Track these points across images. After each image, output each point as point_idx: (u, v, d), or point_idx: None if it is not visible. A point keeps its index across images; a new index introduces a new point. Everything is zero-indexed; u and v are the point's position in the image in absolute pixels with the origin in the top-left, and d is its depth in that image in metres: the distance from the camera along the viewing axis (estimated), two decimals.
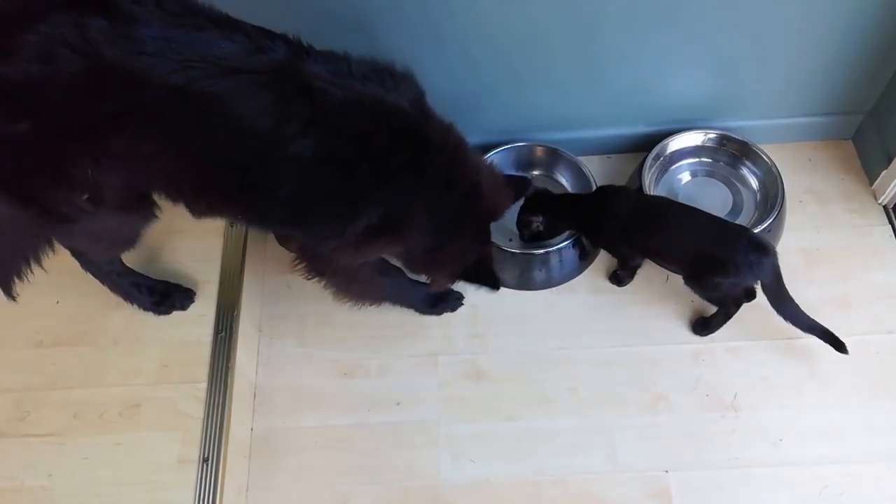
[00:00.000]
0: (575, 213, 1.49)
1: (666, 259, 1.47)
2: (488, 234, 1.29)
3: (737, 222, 1.52)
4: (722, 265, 1.34)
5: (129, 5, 0.99)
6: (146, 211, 1.20)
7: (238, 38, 1.03)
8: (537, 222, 1.49)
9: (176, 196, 1.14)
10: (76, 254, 1.38)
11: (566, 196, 1.58)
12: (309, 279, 1.35)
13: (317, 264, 1.31)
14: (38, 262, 1.27)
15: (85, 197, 1.08)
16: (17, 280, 1.28)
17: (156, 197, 1.19)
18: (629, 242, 1.46)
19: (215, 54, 1.00)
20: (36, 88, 0.97)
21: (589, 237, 1.54)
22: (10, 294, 1.31)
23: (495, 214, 1.28)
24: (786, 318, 1.39)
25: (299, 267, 1.34)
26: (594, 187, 1.56)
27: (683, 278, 1.43)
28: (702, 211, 1.41)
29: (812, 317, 1.37)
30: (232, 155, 1.06)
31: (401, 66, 1.11)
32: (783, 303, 1.37)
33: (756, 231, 1.46)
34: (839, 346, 1.37)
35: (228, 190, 1.12)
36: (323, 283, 1.36)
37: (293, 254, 1.35)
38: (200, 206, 1.16)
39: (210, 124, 1.02)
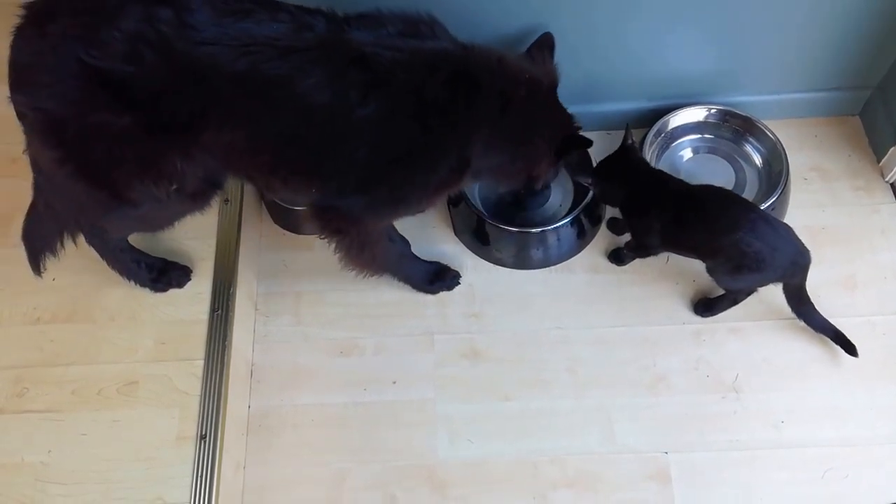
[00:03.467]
0: (629, 189, 1.38)
1: (702, 253, 1.37)
2: (558, 111, 1.28)
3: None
4: (763, 264, 1.28)
5: None
6: (209, 198, 1.25)
7: (282, 17, 1.06)
8: (588, 183, 1.42)
9: (256, 176, 1.21)
10: (90, 228, 1.38)
11: (633, 168, 1.39)
12: (323, 238, 1.33)
13: (337, 223, 1.30)
14: (73, 240, 1.33)
15: (174, 187, 1.14)
16: (48, 255, 1.34)
17: (233, 179, 1.25)
18: (667, 236, 1.37)
19: (268, 35, 1.04)
20: (131, 85, 1.01)
21: (626, 216, 1.43)
22: (38, 269, 1.36)
23: (553, 87, 1.28)
24: (799, 317, 1.37)
25: (315, 226, 1.32)
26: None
27: (708, 266, 1.37)
28: (752, 204, 1.36)
29: (819, 295, 1.34)
30: (303, 131, 1.11)
31: (425, 13, 1.15)
32: (801, 302, 1.36)
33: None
34: (850, 349, 1.35)
35: (305, 164, 1.17)
36: (336, 244, 1.34)
37: (309, 213, 1.32)
38: (276, 183, 1.23)
39: (278, 105, 1.07)
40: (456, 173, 1.20)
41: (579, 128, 1.31)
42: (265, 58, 1.03)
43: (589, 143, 1.28)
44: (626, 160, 1.38)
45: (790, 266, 1.31)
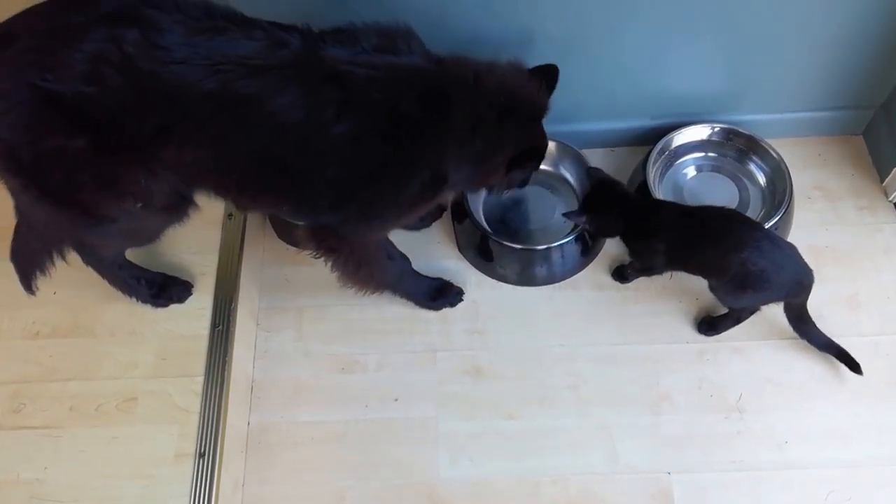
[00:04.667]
0: (627, 219, 1.38)
1: (705, 271, 1.37)
2: (531, 132, 1.25)
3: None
4: (767, 283, 1.28)
5: (155, 14, 1.01)
6: (185, 211, 1.23)
7: (257, 35, 1.05)
8: (582, 221, 1.41)
9: (223, 193, 1.19)
10: (81, 248, 1.37)
11: (624, 199, 1.40)
12: (318, 257, 1.32)
13: (330, 242, 1.30)
14: (63, 258, 1.32)
15: (139, 205, 1.13)
16: (38, 274, 1.33)
17: (200, 195, 1.22)
18: (672, 256, 1.37)
19: (240, 54, 1.02)
20: (88, 106, 1.00)
21: (626, 241, 1.44)
22: (30, 289, 1.36)
23: (539, 115, 1.26)
24: (802, 336, 1.37)
25: (309, 245, 1.32)
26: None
27: (711, 284, 1.37)
28: (757, 223, 1.35)
29: (822, 315, 1.34)
30: (274, 150, 1.10)
31: (400, 23, 1.14)
32: (803, 321, 1.35)
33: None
34: (854, 367, 1.34)
35: (275, 183, 1.16)
36: (332, 262, 1.33)
37: (303, 233, 1.32)
38: (244, 200, 1.23)
39: (249, 124, 1.06)
40: (430, 189, 1.20)
41: (542, 147, 1.29)
42: (236, 76, 1.01)
43: (535, 158, 1.28)
44: (610, 191, 1.41)
45: (794, 285, 1.31)
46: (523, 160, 1.24)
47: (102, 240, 1.32)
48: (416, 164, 1.16)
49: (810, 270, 1.31)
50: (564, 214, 1.43)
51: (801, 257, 1.31)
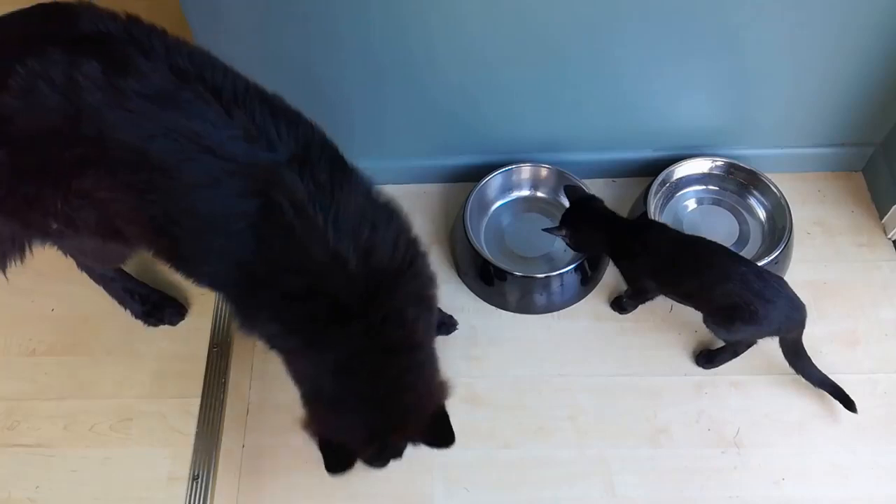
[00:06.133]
0: (609, 235, 1.42)
1: (694, 300, 1.39)
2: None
3: (750, 257, 1.46)
4: (755, 316, 1.29)
5: (136, 55, 0.96)
6: (126, 240, 1.15)
7: (238, 117, 0.96)
8: (562, 235, 1.45)
9: (140, 242, 1.12)
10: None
11: (604, 215, 1.44)
12: None
13: None
14: (30, 250, 1.23)
15: (55, 226, 1.08)
16: (11, 260, 1.25)
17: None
18: (659, 280, 1.40)
19: (195, 130, 0.95)
20: (15, 119, 0.96)
21: (615, 261, 1.47)
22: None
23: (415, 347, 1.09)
24: (797, 371, 1.37)
25: None
26: None
27: (704, 318, 1.38)
28: (742, 257, 1.37)
29: (820, 351, 1.34)
30: (175, 224, 1.02)
31: (398, 205, 1.06)
32: (798, 357, 1.35)
33: (763, 263, 1.44)
34: (848, 404, 1.34)
35: (168, 251, 1.08)
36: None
37: None
38: (144, 248, 1.14)
39: (165, 192, 0.99)
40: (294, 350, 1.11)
41: None
42: (175, 148, 0.94)
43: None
44: (587, 206, 1.44)
45: (785, 320, 1.32)
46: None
47: (62, 249, 1.28)
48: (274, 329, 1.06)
49: (802, 305, 1.31)
50: (544, 229, 1.46)
51: (791, 291, 1.32)
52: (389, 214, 1.06)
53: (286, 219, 0.95)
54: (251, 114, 0.98)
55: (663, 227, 1.44)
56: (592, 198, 1.47)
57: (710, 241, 1.38)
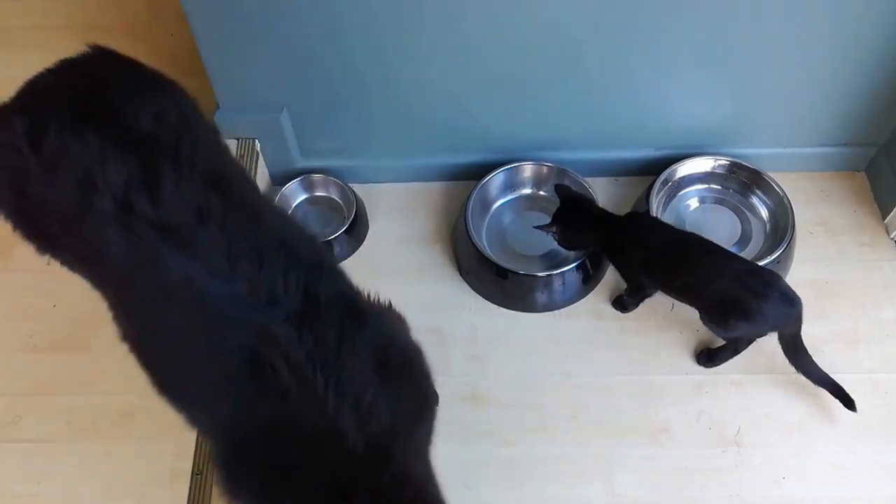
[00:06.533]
0: (598, 230, 1.44)
1: (687, 296, 1.41)
2: None
3: (752, 258, 1.47)
4: (749, 312, 1.30)
5: (167, 176, 0.87)
6: None
7: (243, 268, 0.86)
8: (552, 232, 1.46)
9: None
10: None
11: (595, 212, 1.47)
12: None
13: None
14: None
15: (47, 260, 1.02)
16: None
17: None
18: (652, 274, 1.42)
19: (190, 273, 0.86)
20: (33, 179, 0.89)
21: (608, 258, 1.50)
22: None
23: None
24: (797, 368, 1.37)
25: None
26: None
27: (701, 315, 1.39)
28: (735, 254, 1.38)
29: (821, 351, 1.34)
30: (153, 359, 0.96)
31: (420, 356, 0.99)
32: (797, 353, 1.35)
33: (765, 263, 1.44)
34: (848, 403, 1.34)
35: (150, 376, 0.99)
36: None
37: None
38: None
39: (145, 327, 0.94)
40: None
41: None
42: (167, 286, 0.86)
43: None
44: (577, 204, 1.46)
45: (780, 315, 1.32)
46: None
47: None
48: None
49: (796, 299, 1.31)
50: (535, 226, 1.48)
51: (785, 286, 1.32)
52: (406, 371, 0.97)
53: (280, 381, 0.84)
54: (261, 263, 0.87)
55: (653, 221, 1.46)
56: (583, 196, 1.49)
57: (702, 238, 1.39)
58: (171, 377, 0.95)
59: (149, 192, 0.86)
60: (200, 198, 0.88)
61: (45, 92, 0.94)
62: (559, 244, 1.50)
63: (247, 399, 0.87)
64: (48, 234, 0.96)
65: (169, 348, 0.93)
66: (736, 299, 1.30)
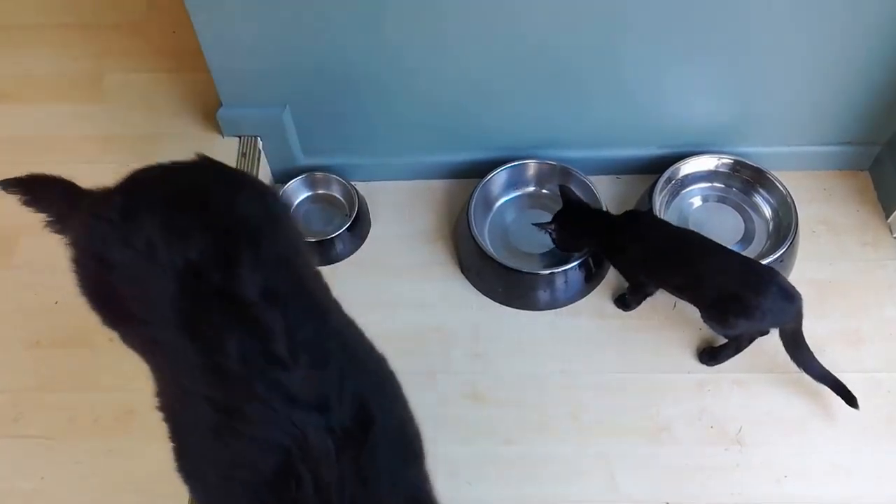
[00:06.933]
0: (597, 231, 1.45)
1: (687, 294, 1.41)
2: None
3: (755, 257, 1.47)
4: (748, 309, 1.30)
5: (242, 248, 0.88)
6: None
7: (302, 364, 0.82)
8: (549, 231, 1.47)
9: None
10: None
11: (593, 212, 1.49)
12: None
13: None
14: None
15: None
16: None
17: None
18: (651, 272, 1.43)
19: (244, 351, 0.84)
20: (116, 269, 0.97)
21: (607, 257, 1.50)
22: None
23: None
24: (798, 365, 1.37)
25: None
26: (604, 208, 1.54)
27: (701, 314, 1.39)
28: (733, 251, 1.38)
29: (824, 350, 1.34)
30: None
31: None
32: (798, 349, 1.35)
33: (768, 261, 1.43)
34: (850, 400, 1.34)
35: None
36: None
37: None
38: None
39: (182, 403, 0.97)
40: None
41: None
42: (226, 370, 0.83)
43: None
44: (577, 208, 1.47)
45: (779, 311, 1.32)
46: None
47: None
48: None
49: (796, 295, 1.31)
50: (534, 224, 1.49)
51: (785, 282, 1.32)
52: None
53: (301, 499, 0.78)
54: (325, 361, 0.85)
55: (652, 219, 1.46)
56: (582, 202, 1.50)
57: (701, 236, 1.40)
58: (195, 457, 0.93)
59: (224, 270, 0.86)
60: (271, 281, 0.87)
61: (147, 180, 1.00)
62: (554, 244, 1.50)
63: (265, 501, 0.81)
64: (120, 307, 1.00)
65: (202, 423, 0.89)
66: (735, 296, 1.30)
